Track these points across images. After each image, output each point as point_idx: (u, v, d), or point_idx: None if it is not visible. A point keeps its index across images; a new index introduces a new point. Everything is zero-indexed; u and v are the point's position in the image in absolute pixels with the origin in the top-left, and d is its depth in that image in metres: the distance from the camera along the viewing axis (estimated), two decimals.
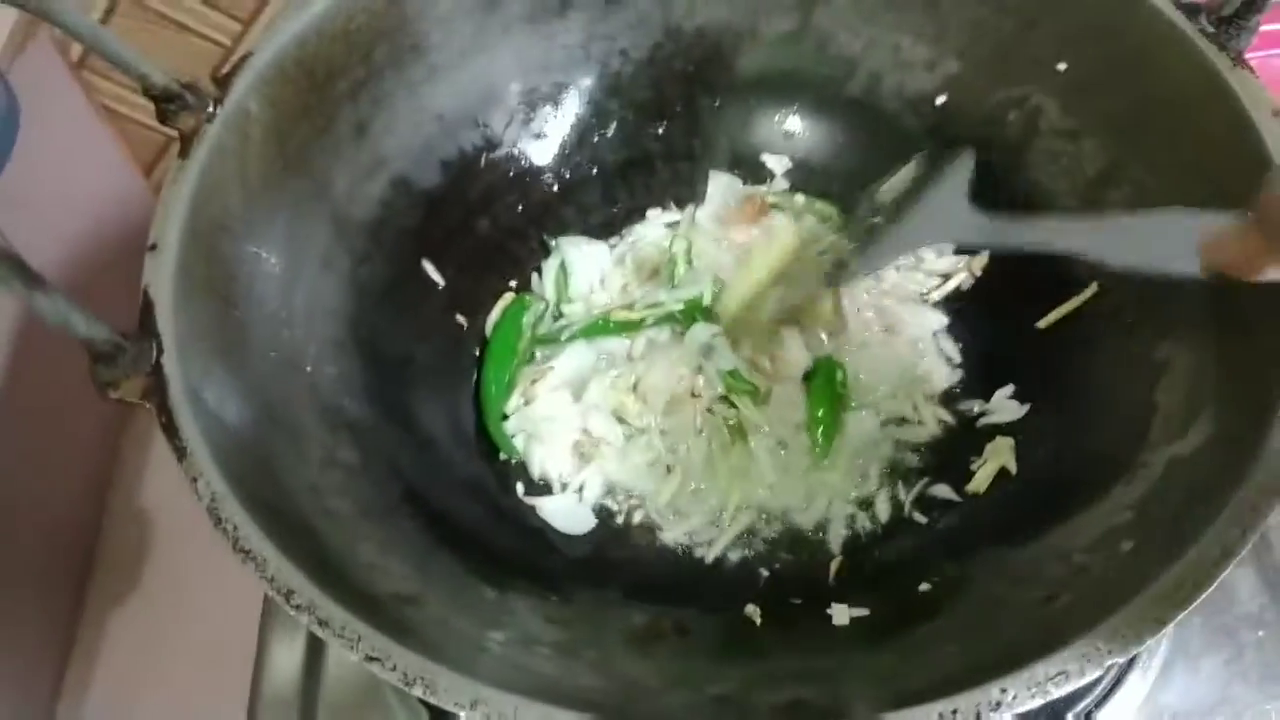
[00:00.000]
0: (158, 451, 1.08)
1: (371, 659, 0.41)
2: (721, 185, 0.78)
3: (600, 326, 0.73)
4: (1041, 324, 0.66)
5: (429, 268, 0.69)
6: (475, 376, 0.72)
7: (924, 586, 0.57)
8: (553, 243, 0.76)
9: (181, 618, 0.94)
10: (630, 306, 0.74)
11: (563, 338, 0.73)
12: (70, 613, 0.99)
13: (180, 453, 0.46)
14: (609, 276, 0.77)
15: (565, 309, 0.75)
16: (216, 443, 0.47)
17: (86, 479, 1.05)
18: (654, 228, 0.78)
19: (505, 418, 0.70)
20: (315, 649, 0.63)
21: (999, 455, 0.64)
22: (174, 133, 1.12)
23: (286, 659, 0.63)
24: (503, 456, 0.70)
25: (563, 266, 0.76)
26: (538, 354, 0.73)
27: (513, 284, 0.76)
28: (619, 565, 0.66)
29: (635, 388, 0.71)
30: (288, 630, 0.64)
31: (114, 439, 1.09)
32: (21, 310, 0.93)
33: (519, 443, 0.70)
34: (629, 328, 0.73)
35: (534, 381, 0.71)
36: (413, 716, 0.60)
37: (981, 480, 0.64)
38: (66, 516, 1.00)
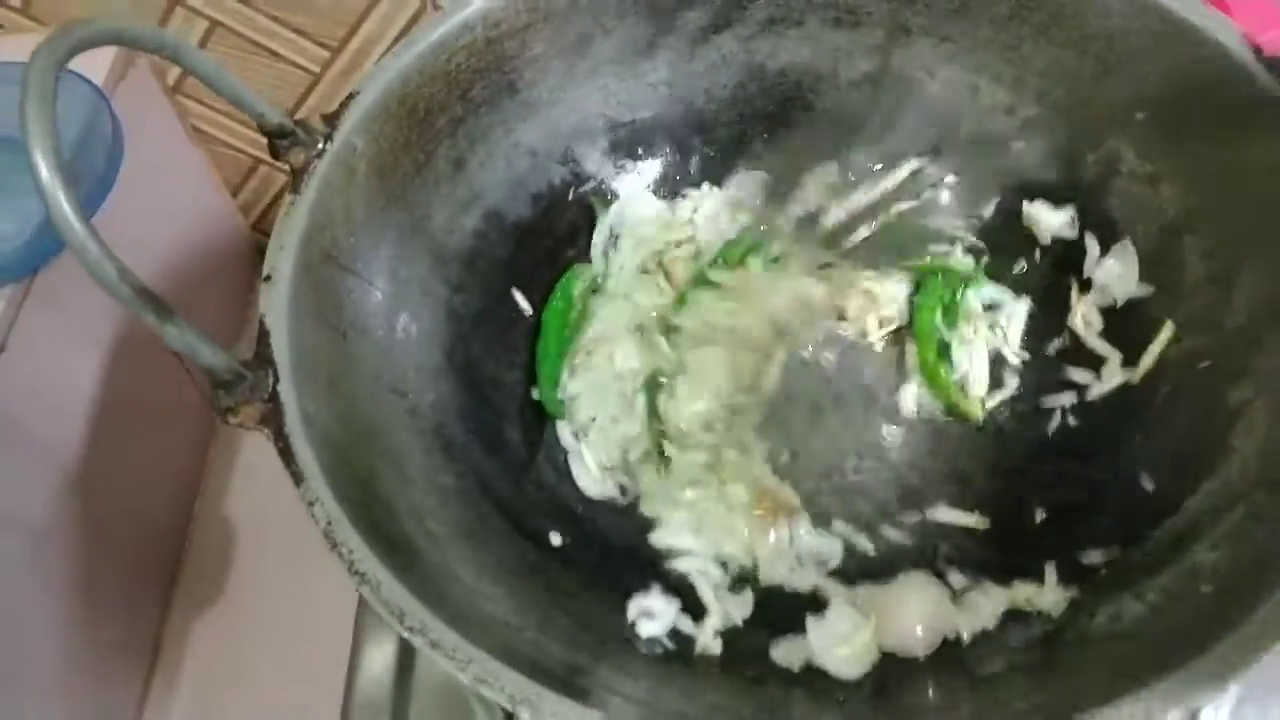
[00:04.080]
0: (245, 461, 1.11)
1: (480, 680, 0.43)
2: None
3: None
4: (1136, 379, 0.65)
5: (519, 297, 0.71)
6: None
7: None
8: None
9: (266, 625, 0.97)
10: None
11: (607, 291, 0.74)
12: (157, 618, 1.02)
13: (297, 478, 0.48)
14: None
15: (614, 268, 0.75)
16: (327, 466, 0.49)
17: (176, 486, 1.09)
18: None
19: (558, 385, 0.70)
20: (406, 659, 0.65)
21: None
22: (261, 154, 1.16)
23: (379, 668, 0.65)
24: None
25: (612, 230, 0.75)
26: (588, 324, 0.72)
27: None
28: None
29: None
30: (379, 640, 0.66)
31: (203, 448, 1.13)
32: (116, 322, 0.97)
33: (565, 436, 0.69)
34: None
35: (588, 353, 0.71)
36: None
37: None
38: (155, 523, 1.04)
